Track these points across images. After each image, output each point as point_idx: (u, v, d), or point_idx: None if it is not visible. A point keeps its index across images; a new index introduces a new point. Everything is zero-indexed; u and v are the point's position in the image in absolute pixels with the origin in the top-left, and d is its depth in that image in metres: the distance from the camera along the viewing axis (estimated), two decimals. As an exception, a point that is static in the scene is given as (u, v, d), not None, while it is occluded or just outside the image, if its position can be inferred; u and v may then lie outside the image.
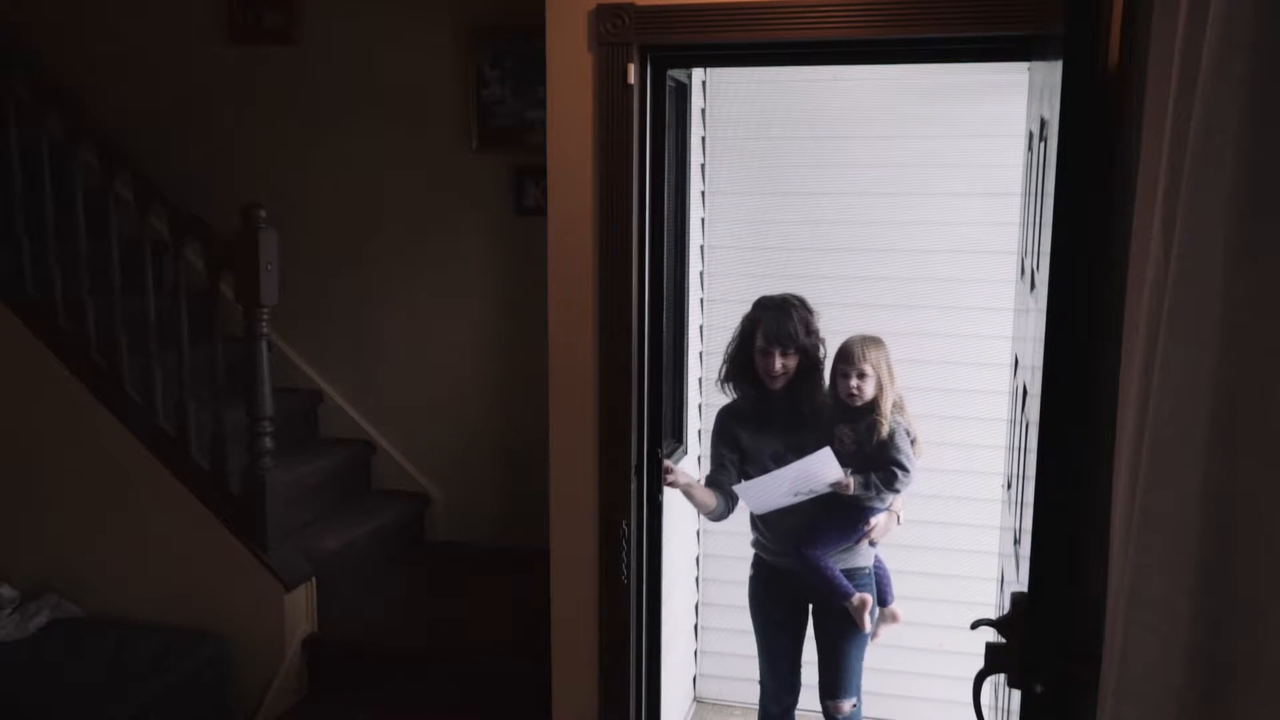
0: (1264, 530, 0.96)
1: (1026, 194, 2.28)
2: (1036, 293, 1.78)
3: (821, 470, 2.81)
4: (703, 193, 3.57)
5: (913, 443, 2.88)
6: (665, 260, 3.31)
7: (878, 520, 2.92)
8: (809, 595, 3.02)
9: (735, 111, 3.54)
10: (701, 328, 3.64)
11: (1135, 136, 1.32)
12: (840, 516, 2.89)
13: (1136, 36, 1.39)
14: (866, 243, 3.49)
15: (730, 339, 2.98)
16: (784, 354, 2.84)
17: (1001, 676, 1.63)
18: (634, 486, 2.60)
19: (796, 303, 2.89)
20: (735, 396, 2.99)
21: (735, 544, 3.76)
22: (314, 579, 3.21)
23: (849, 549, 2.93)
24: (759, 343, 2.86)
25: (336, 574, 3.36)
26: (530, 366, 3.59)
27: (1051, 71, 1.63)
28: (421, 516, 3.98)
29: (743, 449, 2.95)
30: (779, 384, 2.88)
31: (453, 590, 3.60)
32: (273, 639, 3.11)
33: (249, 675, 3.13)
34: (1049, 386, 1.50)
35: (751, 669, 3.75)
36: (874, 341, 2.86)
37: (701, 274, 3.61)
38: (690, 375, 3.53)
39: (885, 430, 2.82)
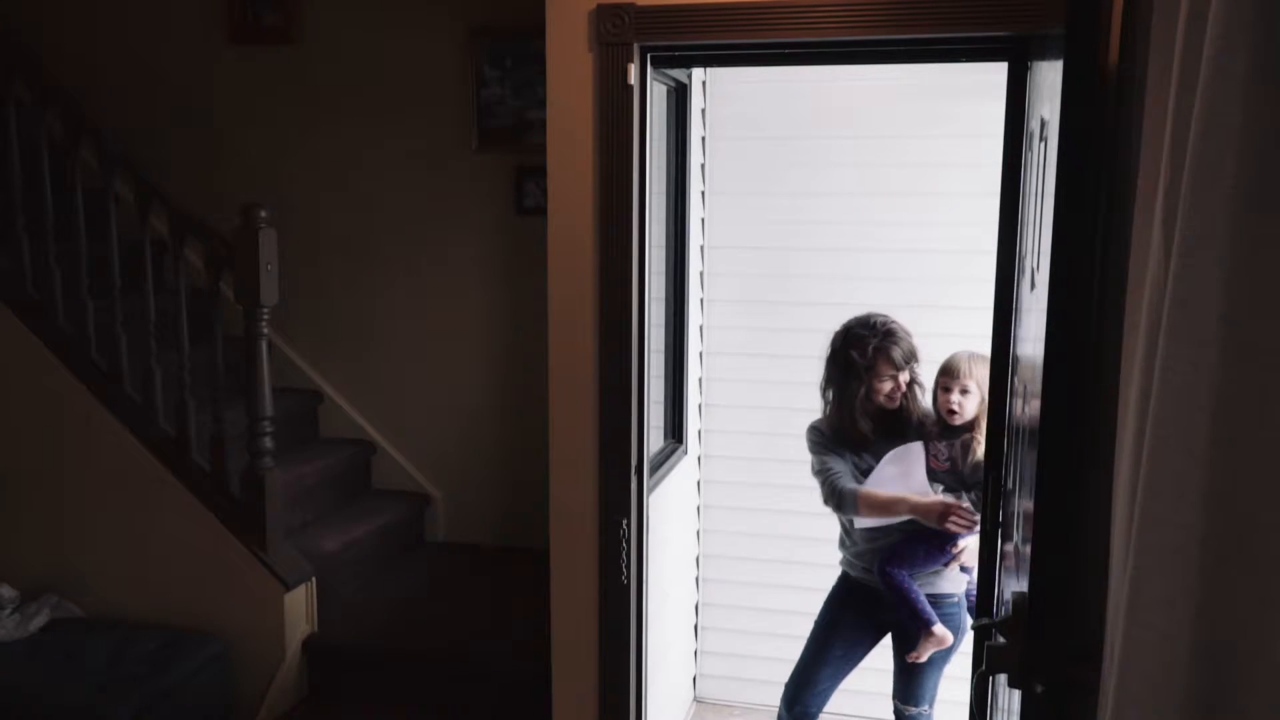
0: (1264, 530, 0.96)
1: (1026, 194, 2.28)
2: (1036, 293, 1.78)
3: (916, 458, 2.75)
4: (703, 193, 3.57)
5: None
6: (666, 259, 3.32)
7: (967, 543, 2.76)
8: (889, 620, 2.90)
9: (735, 111, 3.54)
10: (702, 328, 3.64)
11: (1135, 136, 1.32)
12: (928, 536, 2.76)
13: (1136, 36, 1.39)
14: (866, 243, 3.49)
15: (828, 369, 2.88)
16: (903, 373, 2.80)
17: (1002, 676, 1.63)
18: (634, 486, 2.60)
19: (894, 320, 2.84)
20: (836, 420, 2.86)
21: (735, 544, 3.76)
22: (314, 579, 3.21)
23: (937, 573, 2.82)
24: (885, 368, 2.77)
25: (336, 574, 3.36)
26: (530, 366, 3.60)
27: (1051, 71, 1.63)
28: (421, 516, 3.98)
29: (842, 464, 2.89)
30: (898, 403, 2.82)
31: (453, 590, 3.60)
32: (273, 639, 3.11)
33: (249, 675, 3.13)
34: (1049, 386, 1.50)
35: (752, 669, 3.76)
36: (981, 358, 2.72)
37: (702, 274, 3.62)
38: (690, 375, 3.53)
39: (981, 451, 2.67)
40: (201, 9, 3.90)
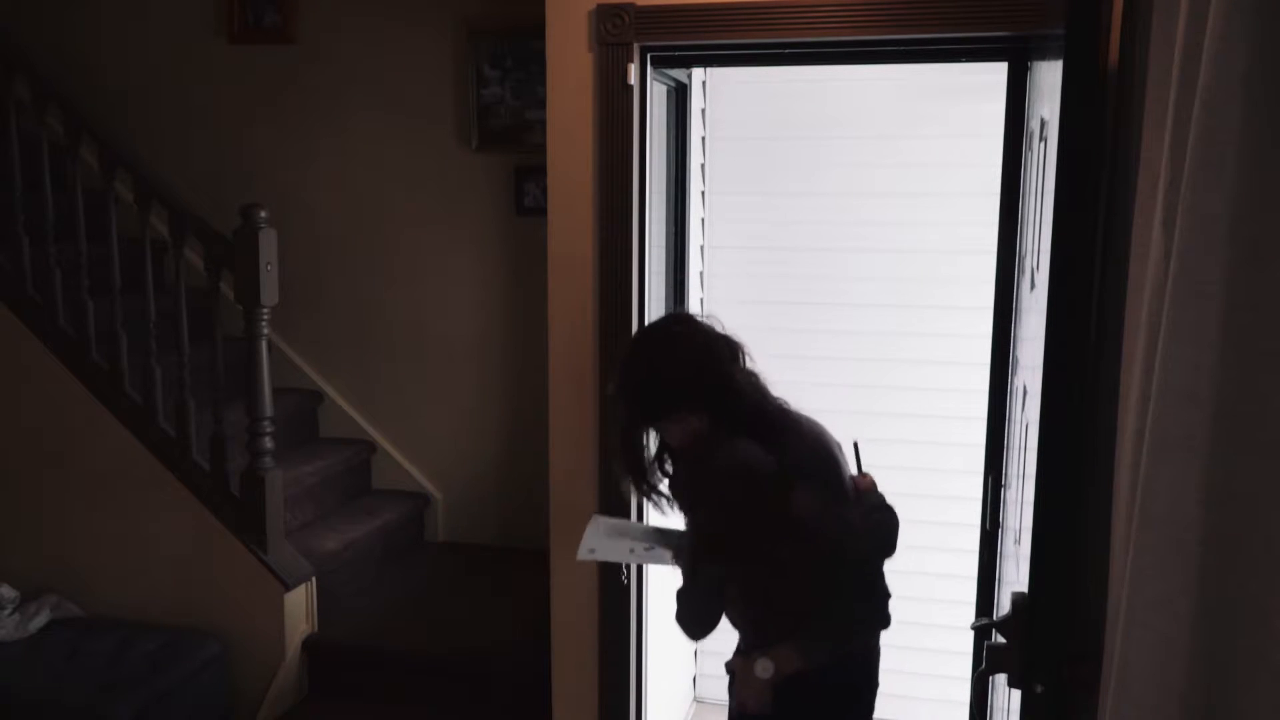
0: (1264, 530, 0.96)
1: (1026, 194, 2.28)
2: (1036, 293, 1.78)
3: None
4: (703, 193, 3.57)
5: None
6: (666, 259, 3.32)
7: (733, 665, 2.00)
8: None
9: (735, 111, 3.54)
10: (701, 328, 3.63)
11: (1135, 136, 1.32)
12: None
13: (1136, 36, 1.39)
14: (867, 243, 3.49)
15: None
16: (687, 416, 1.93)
17: (1001, 676, 1.63)
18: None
19: (680, 321, 2.00)
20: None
21: (735, 544, 3.75)
22: (314, 579, 3.21)
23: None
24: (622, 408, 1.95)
25: (336, 574, 3.36)
26: (530, 366, 3.60)
27: (1051, 71, 1.63)
28: (421, 516, 3.98)
29: None
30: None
31: (453, 590, 3.60)
32: (273, 639, 3.11)
33: (249, 675, 3.13)
34: (1049, 386, 1.50)
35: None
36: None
37: (702, 274, 3.61)
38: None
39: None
40: (201, 9, 3.90)
